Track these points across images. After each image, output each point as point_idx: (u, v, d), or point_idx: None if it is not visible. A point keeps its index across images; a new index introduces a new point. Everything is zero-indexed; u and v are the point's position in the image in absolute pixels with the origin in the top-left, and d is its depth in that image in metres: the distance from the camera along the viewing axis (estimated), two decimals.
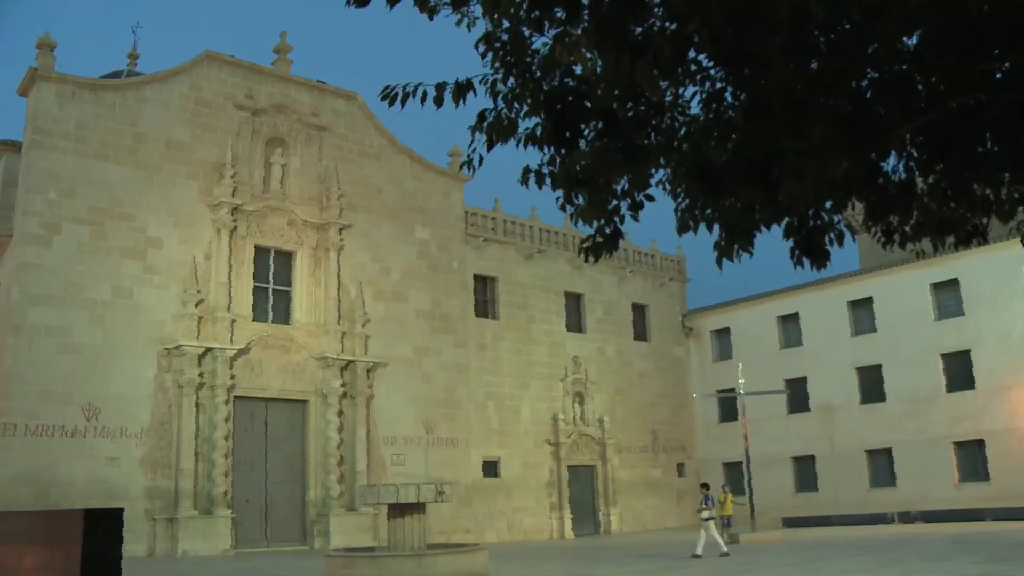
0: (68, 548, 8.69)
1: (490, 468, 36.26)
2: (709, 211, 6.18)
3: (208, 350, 28.84)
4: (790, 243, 6.23)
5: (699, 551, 22.64)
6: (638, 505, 40.69)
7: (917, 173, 6.22)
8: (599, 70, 5.67)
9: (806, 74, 5.22)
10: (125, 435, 27.48)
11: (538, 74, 5.94)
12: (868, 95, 5.52)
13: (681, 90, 6.05)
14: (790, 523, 36.68)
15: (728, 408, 42.61)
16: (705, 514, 23.92)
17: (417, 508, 14.63)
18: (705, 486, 25.65)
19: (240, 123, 31.56)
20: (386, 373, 33.25)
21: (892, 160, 6.05)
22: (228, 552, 27.52)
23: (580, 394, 39.95)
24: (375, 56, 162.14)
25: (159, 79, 30.73)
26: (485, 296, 38.32)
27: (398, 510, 14.62)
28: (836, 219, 6.27)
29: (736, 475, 40.21)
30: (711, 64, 5.76)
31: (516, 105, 5.99)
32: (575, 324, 41.24)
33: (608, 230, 6.18)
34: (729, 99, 5.96)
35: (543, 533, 37.09)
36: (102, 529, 8.80)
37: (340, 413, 31.48)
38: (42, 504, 24.16)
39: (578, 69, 5.94)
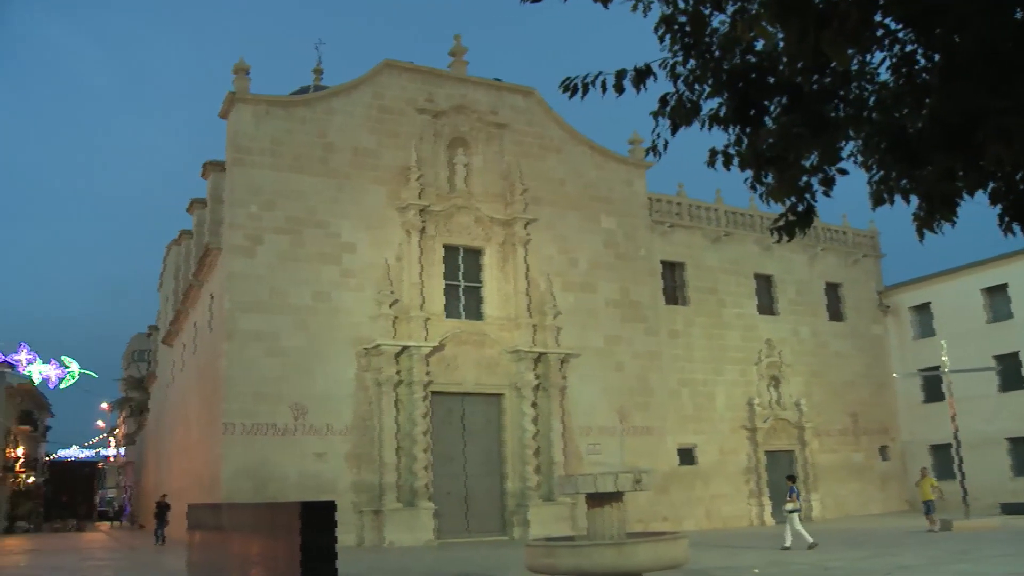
0: (288, 538, 9.25)
1: (686, 455, 35.91)
2: (905, 182, 5.91)
3: (404, 348, 29.80)
4: (996, 210, 5.87)
5: (788, 543, 22.44)
6: (840, 491, 39.34)
7: None
8: (780, 44, 5.54)
9: (1009, 26, 4.91)
10: (331, 432, 28.82)
11: (718, 53, 5.85)
12: None
13: (868, 57, 5.83)
14: (1008, 509, 34.54)
15: (932, 387, 40.56)
16: (789, 506, 23.47)
17: (615, 497, 14.60)
18: (791, 478, 25.16)
19: (422, 126, 32.42)
20: (578, 364, 33.41)
21: None
22: (431, 543, 28.40)
23: (775, 377, 38.98)
24: (550, 50, 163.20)
25: (344, 91, 31.98)
26: (673, 282, 37.92)
27: (596, 499, 14.64)
28: None
29: (944, 458, 38.27)
30: (899, 27, 5.52)
31: (697, 87, 5.93)
32: (767, 306, 40.22)
33: (800, 208, 6.02)
34: (921, 62, 5.68)
35: (742, 520, 36.42)
36: (317, 521, 9.36)
37: (535, 405, 31.88)
38: (261, 497, 25.65)
39: (759, 45, 5.82)
